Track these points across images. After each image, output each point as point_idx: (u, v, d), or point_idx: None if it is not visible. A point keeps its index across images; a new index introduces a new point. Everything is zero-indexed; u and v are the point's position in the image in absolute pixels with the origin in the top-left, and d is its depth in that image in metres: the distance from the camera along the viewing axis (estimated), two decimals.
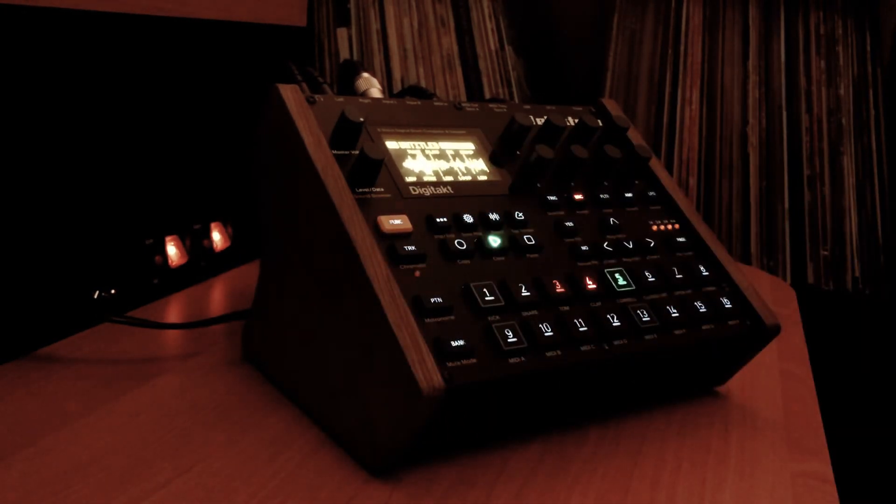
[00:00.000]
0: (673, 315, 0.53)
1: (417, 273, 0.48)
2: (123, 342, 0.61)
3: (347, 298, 0.48)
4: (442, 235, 0.50)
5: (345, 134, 0.51)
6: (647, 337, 0.52)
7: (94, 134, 0.64)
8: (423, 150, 0.55)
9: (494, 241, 0.52)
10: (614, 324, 0.51)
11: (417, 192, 0.52)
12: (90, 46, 0.62)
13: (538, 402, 0.52)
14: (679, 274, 0.56)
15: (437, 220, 0.51)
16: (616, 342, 0.50)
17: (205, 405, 0.53)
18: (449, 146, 0.57)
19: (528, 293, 0.50)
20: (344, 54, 1.04)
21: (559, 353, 0.48)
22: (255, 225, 0.78)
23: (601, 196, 0.59)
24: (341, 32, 1.04)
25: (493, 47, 1.07)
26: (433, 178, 0.54)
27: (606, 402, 0.56)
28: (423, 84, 1.05)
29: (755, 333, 0.57)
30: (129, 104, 0.67)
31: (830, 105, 0.98)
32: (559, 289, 0.51)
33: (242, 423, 0.51)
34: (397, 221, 0.49)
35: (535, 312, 0.49)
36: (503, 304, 0.48)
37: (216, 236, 0.79)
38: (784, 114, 0.99)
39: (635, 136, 0.64)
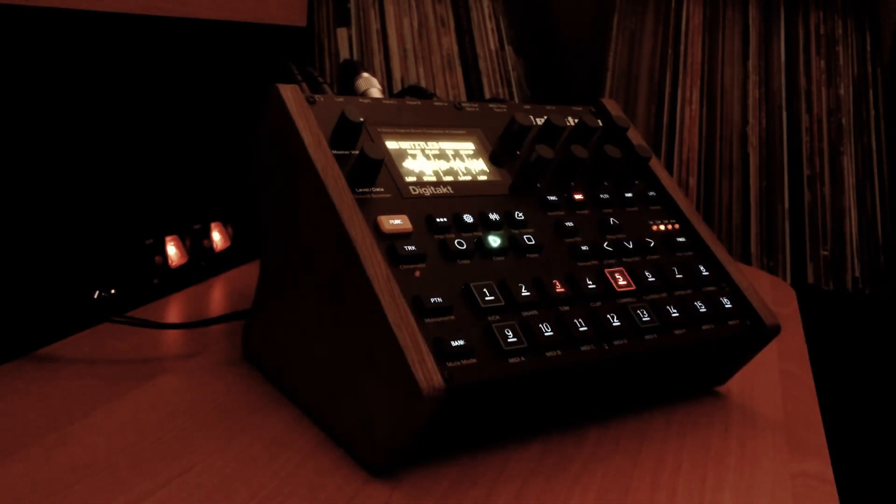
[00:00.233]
0: (673, 315, 0.53)
1: (417, 273, 0.48)
2: (123, 342, 0.61)
3: (347, 298, 0.48)
4: (442, 235, 0.50)
5: (345, 134, 0.51)
6: (647, 337, 0.52)
7: (94, 134, 0.64)
8: (423, 150, 0.55)
9: (494, 241, 0.52)
10: (614, 324, 0.51)
11: (417, 192, 0.52)
12: (90, 46, 0.62)
13: (538, 402, 0.52)
14: (679, 274, 0.56)
15: (437, 220, 0.51)
16: (616, 342, 0.50)
17: (205, 405, 0.53)
18: (449, 146, 0.57)
19: (528, 293, 0.50)
20: (344, 54, 1.04)
21: (559, 353, 0.48)
22: (255, 225, 0.78)
23: (601, 196, 0.59)
24: (341, 32, 1.04)
25: (493, 47, 1.07)
26: (433, 178, 0.54)
27: (606, 402, 0.56)
28: (423, 84, 1.05)
29: (755, 333, 0.57)
30: (130, 104, 0.67)
31: (830, 105, 0.98)
32: (559, 289, 0.51)
33: (242, 423, 0.51)
34: (397, 221, 0.49)
35: (535, 312, 0.49)
36: (503, 304, 0.48)
37: (216, 236, 0.79)
38: (784, 114, 0.99)
39: (635, 136, 0.64)
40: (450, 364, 0.44)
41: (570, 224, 0.55)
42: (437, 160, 0.55)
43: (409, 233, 0.49)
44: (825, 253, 0.98)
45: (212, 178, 0.78)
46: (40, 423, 0.49)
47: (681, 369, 0.58)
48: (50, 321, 0.60)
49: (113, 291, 0.65)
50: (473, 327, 0.47)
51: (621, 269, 0.55)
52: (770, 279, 0.94)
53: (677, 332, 0.53)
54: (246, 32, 0.80)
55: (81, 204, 0.63)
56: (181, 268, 0.74)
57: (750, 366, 0.62)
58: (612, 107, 0.66)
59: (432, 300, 0.46)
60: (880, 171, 0.98)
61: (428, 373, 0.43)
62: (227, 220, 0.80)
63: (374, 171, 0.50)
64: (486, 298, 0.48)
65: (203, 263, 0.77)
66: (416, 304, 0.46)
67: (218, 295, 0.75)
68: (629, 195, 0.61)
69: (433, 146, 0.56)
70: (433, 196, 0.53)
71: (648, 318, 0.52)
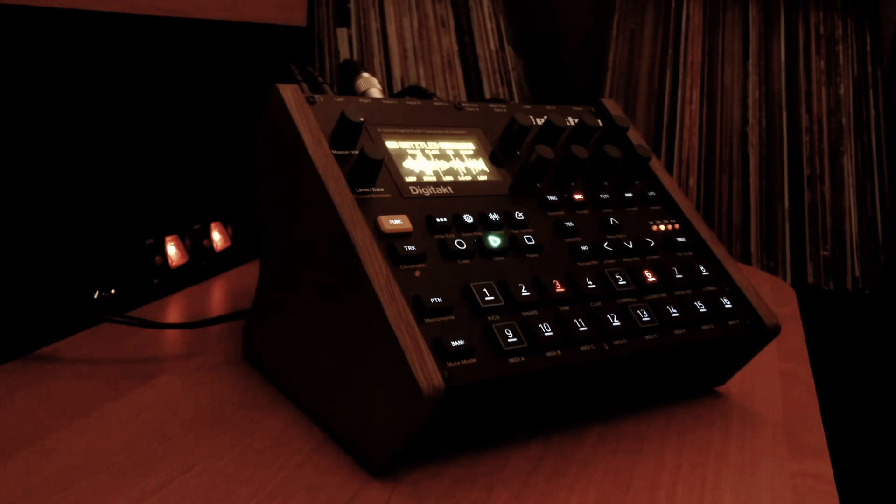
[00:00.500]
0: (673, 315, 0.53)
1: (417, 273, 0.48)
2: (123, 342, 0.61)
3: (347, 298, 0.48)
4: (442, 235, 0.50)
5: (345, 134, 0.51)
6: (647, 337, 0.52)
7: (94, 134, 0.64)
8: (423, 150, 0.55)
9: (494, 241, 0.52)
10: (614, 324, 0.51)
11: (417, 192, 0.52)
12: (90, 46, 0.62)
13: (538, 402, 0.52)
14: (679, 274, 0.56)
15: (437, 220, 0.51)
16: (616, 342, 0.50)
17: (205, 405, 0.53)
18: (449, 146, 0.57)
19: (528, 293, 0.50)
20: (344, 54, 1.04)
21: (559, 353, 0.48)
22: (255, 225, 0.78)
23: (601, 196, 0.59)
24: (341, 32, 1.04)
25: (493, 47, 1.07)
26: (433, 178, 0.54)
27: (606, 402, 0.56)
28: (423, 84, 1.05)
29: (755, 333, 0.57)
30: (130, 104, 0.67)
31: (830, 105, 0.98)
32: (559, 289, 0.51)
33: (242, 423, 0.51)
34: (397, 221, 0.49)
35: (535, 312, 0.49)
36: (503, 304, 0.48)
37: (216, 236, 0.79)
38: (784, 114, 0.99)
39: (635, 136, 0.64)
40: (450, 364, 0.44)
41: (570, 224, 0.55)
42: (437, 160, 0.55)
43: (409, 233, 0.49)
44: (825, 253, 0.98)
45: (212, 178, 0.78)
46: (40, 423, 0.49)
47: (681, 369, 0.58)
48: (50, 321, 0.60)
49: (113, 291, 0.65)
50: (473, 327, 0.47)
51: (621, 269, 0.55)
52: (770, 279, 0.94)
53: (677, 332, 0.53)
54: (246, 32, 0.80)
55: (81, 204, 0.63)
56: (181, 268, 0.74)
57: (750, 366, 0.62)
58: (612, 107, 0.66)
59: (432, 300, 0.46)
60: (880, 171, 0.98)
61: (428, 373, 0.43)
62: (227, 220, 0.80)
63: (374, 171, 0.50)
64: (486, 298, 0.48)
65: (203, 263, 0.77)
66: (416, 304, 0.46)
67: (218, 295, 0.75)
68: (629, 195, 0.61)
69: (433, 146, 0.56)
70: (433, 196, 0.53)
71: (648, 318, 0.52)
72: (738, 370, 0.61)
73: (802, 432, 0.57)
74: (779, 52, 0.99)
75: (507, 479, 0.47)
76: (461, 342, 0.45)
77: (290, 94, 0.52)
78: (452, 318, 0.46)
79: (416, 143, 0.56)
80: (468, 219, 0.52)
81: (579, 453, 0.51)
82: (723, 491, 0.49)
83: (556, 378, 0.49)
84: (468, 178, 0.56)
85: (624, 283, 0.54)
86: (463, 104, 0.60)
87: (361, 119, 0.51)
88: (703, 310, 0.55)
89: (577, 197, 0.58)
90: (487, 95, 1.07)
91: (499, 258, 0.51)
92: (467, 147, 0.58)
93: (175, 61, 0.71)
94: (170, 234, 0.73)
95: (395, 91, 1.03)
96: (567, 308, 0.51)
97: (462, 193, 0.54)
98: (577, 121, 0.62)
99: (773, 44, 0.99)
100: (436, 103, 0.60)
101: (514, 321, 0.48)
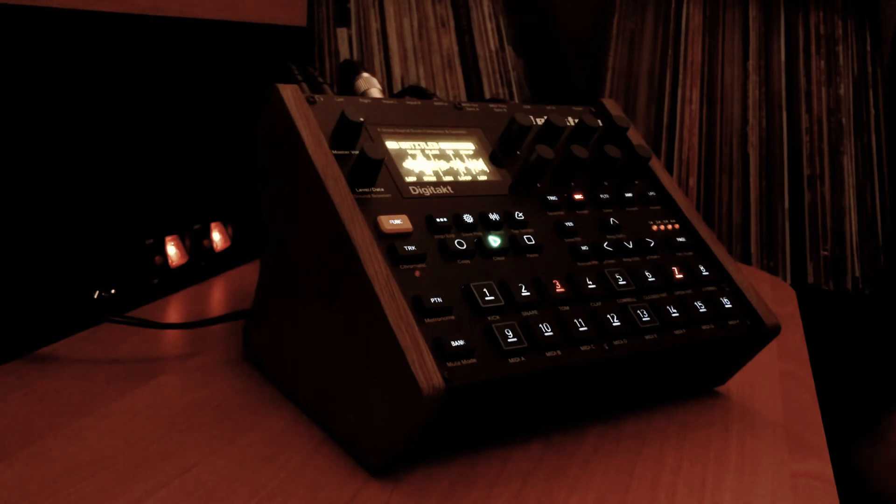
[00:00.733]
0: (673, 315, 0.53)
1: (417, 273, 0.48)
2: (123, 342, 0.61)
3: (347, 298, 0.48)
4: (442, 235, 0.50)
5: (345, 134, 0.51)
6: (647, 337, 0.52)
7: (94, 134, 0.64)
8: (423, 150, 0.55)
9: (494, 241, 0.52)
10: (614, 324, 0.51)
11: (417, 192, 0.52)
12: (90, 46, 0.62)
13: (538, 402, 0.52)
14: (679, 274, 0.56)
15: (437, 220, 0.51)
16: (616, 342, 0.50)
17: (205, 405, 0.53)
18: (449, 146, 0.57)
19: (528, 293, 0.50)
20: (344, 54, 1.04)
21: (559, 353, 0.48)
22: (255, 225, 0.78)
23: (601, 196, 0.59)
24: (341, 32, 1.04)
25: (493, 47, 1.07)
26: (433, 178, 0.54)
27: (606, 402, 0.56)
28: (423, 84, 1.05)
29: (755, 333, 0.57)
30: (130, 104, 0.67)
31: (830, 105, 0.98)
32: (559, 289, 0.51)
33: (242, 423, 0.51)
34: (397, 221, 0.49)
35: (535, 312, 0.49)
36: (503, 304, 0.48)
37: (216, 236, 0.79)
38: (784, 114, 0.99)
39: (635, 136, 0.64)
40: (450, 364, 0.44)
41: (570, 224, 0.55)
42: (437, 160, 0.55)
43: (409, 233, 0.49)
44: (825, 253, 0.99)
45: (212, 178, 0.78)
46: (40, 423, 0.49)
47: (681, 369, 0.58)
48: (50, 321, 0.60)
49: (113, 291, 0.65)
50: (473, 327, 0.47)
51: (621, 269, 0.55)
52: (770, 279, 0.94)
53: (677, 332, 0.53)
54: (246, 32, 0.80)
55: (81, 204, 0.63)
56: (181, 268, 0.74)
57: (750, 366, 0.62)
58: (612, 107, 0.66)
59: (432, 300, 0.46)
60: (880, 171, 0.98)
61: (428, 373, 0.43)
62: (227, 220, 0.80)
63: (374, 171, 0.50)
64: (486, 298, 0.48)
65: (203, 263, 0.77)
66: (416, 304, 0.46)
67: (218, 295, 0.75)
68: (629, 195, 0.61)
69: (433, 146, 0.56)
70: (433, 196, 0.53)
71: (648, 318, 0.52)
72: (738, 370, 0.61)
73: (802, 432, 0.57)
74: (779, 52, 0.99)
75: (507, 479, 0.47)
76: (461, 342, 0.45)
77: (290, 94, 0.52)
78: (452, 318, 0.46)
79: (416, 143, 0.55)
80: (468, 219, 0.52)
81: (579, 453, 0.51)
82: (723, 491, 0.49)
83: (556, 378, 0.49)
84: (468, 178, 0.55)
85: (624, 283, 0.54)
86: (463, 104, 0.60)
87: (361, 119, 0.51)
88: (703, 310, 0.55)
89: (577, 197, 0.58)
90: (487, 95, 1.07)
91: (499, 258, 0.51)
92: (467, 147, 0.58)
93: (175, 61, 0.71)
94: (170, 234, 0.73)
95: (395, 91, 1.03)
96: (567, 308, 0.51)
97: (462, 193, 0.54)
98: (577, 121, 0.62)
99: (773, 44, 0.99)
100: (436, 103, 0.60)
101: (514, 321, 0.48)
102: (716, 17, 1.00)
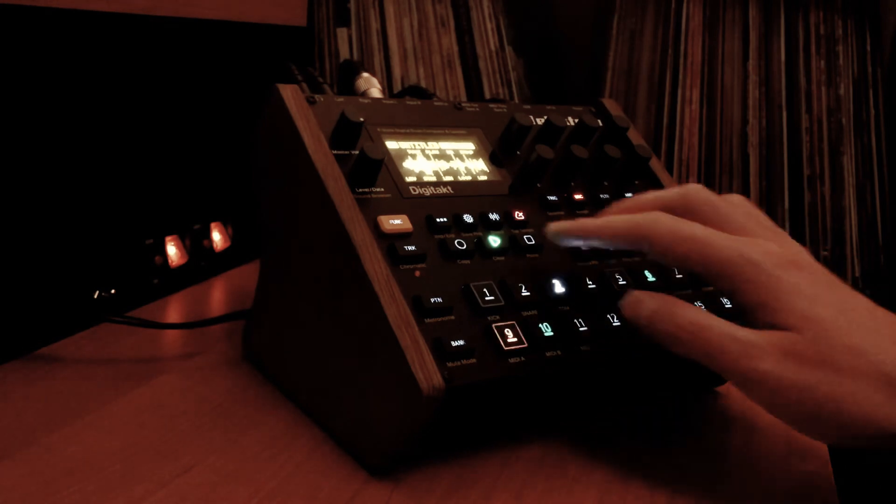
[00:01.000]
0: None
1: (417, 273, 0.48)
2: (123, 342, 0.61)
3: (347, 298, 0.48)
4: (442, 235, 0.50)
5: (345, 134, 0.51)
6: None
7: (94, 134, 0.64)
8: (423, 150, 0.55)
9: (494, 241, 0.52)
10: (614, 324, 0.51)
11: (417, 192, 0.52)
12: (90, 46, 0.62)
13: (538, 402, 0.52)
14: (679, 274, 0.56)
15: (437, 220, 0.51)
16: (616, 342, 0.50)
17: (205, 405, 0.53)
18: (449, 146, 0.57)
19: (528, 293, 0.50)
20: (344, 54, 1.04)
21: (559, 353, 0.48)
22: (255, 225, 0.78)
23: (601, 196, 0.59)
24: (341, 32, 1.04)
25: (493, 47, 1.07)
26: (433, 178, 0.54)
27: (607, 401, 0.56)
28: (423, 84, 1.05)
29: None
30: (129, 104, 0.67)
31: (830, 105, 0.98)
32: (559, 289, 0.51)
33: (242, 423, 0.51)
34: (397, 221, 0.49)
35: (534, 312, 0.49)
36: (503, 304, 0.48)
37: (216, 236, 0.79)
38: (784, 114, 0.99)
39: (635, 136, 0.64)
40: (450, 364, 0.44)
41: None
42: (437, 160, 0.55)
43: (409, 233, 0.49)
44: (825, 253, 0.98)
45: (212, 178, 0.78)
46: (40, 423, 0.49)
47: (681, 369, 0.57)
48: (50, 321, 0.60)
49: (113, 291, 0.65)
50: (473, 327, 0.47)
51: (621, 268, 0.55)
52: None
53: None
54: (246, 32, 0.80)
55: (81, 204, 0.63)
56: (181, 268, 0.74)
57: None
58: (612, 107, 0.66)
59: (432, 300, 0.46)
60: (880, 171, 0.98)
61: (428, 373, 0.43)
62: (227, 220, 0.80)
63: (374, 171, 0.50)
64: (486, 298, 0.48)
65: (203, 263, 0.77)
66: (416, 304, 0.46)
67: (218, 295, 0.75)
68: (629, 195, 0.60)
69: (433, 146, 0.56)
70: (433, 196, 0.53)
71: None
72: None
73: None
74: (779, 52, 0.99)
75: (507, 479, 0.47)
76: (461, 342, 0.45)
77: (290, 94, 0.52)
78: (452, 318, 0.46)
79: (416, 143, 0.56)
80: (468, 219, 0.52)
81: (579, 453, 0.51)
82: (723, 491, 0.49)
83: (556, 378, 0.49)
84: (468, 178, 0.56)
85: (624, 283, 0.54)
86: (463, 104, 0.60)
87: (361, 119, 0.51)
88: (703, 310, 0.55)
89: (578, 197, 0.58)
90: (487, 95, 1.07)
91: (499, 258, 0.51)
92: (467, 147, 0.58)
93: (175, 61, 0.72)
94: (170, 234, 0.73)
95: (395, 91, 1.03)
96: (567, 308, 0.51)
97: (462, 193, 0.54)
98: (577, 121, 0.62)
99: (773, 44, 0.99)
100: (436, 103, 0.60)
101: (514, 321, 0.48)
102: (716, 17, 1.00)
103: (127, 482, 0.44)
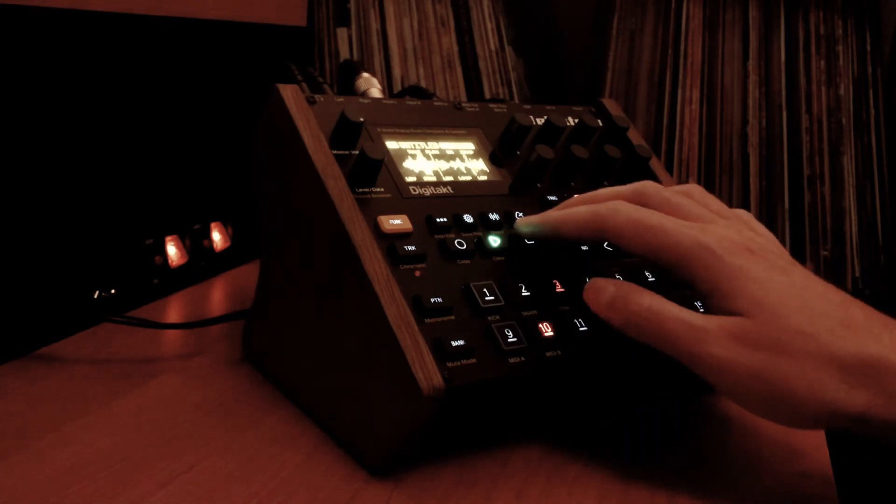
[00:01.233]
0: None
1: (417, 273, 0.48)
2: (123, 342, 0.61)
3: (347, 298, 0.48)
4: (442, 235, 0.50)
5: (345, 134, 0.51)
6: None
7: (94, 134, 0.64)
8: (423, 150, 0.55)
9: (494, 241, 0.52)
10: None
11: (417, 192, 0.52)
12: (90, 47, 0.62)
13: (538, 402, 0.52)
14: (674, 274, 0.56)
15: (438, 220, 0.51)
16: (616, 342, 0.50)
17: (205, 405, 0.53)
18: (449, 146, 0.57)
19: (528, 293, 0.50)
20: (344, 54, 1.04)
21: (559, 353, 0.48)
22: (255, 225, 0.78)
23: None
24: (341, 32, 1.04)
25: (493, 47, 1.07)
26: (433, 178, 0.54)
27: (607, 402, 0.56)
28: (423, 84, 1.05)
29: None
30: (129, 104, 0.67)
31: (830, 105, 0.98)
32: (559, 289, 0.51)
33: (242, 423, 0.51)
34: (397, 221, 0.49)
35: (535, 312, 0.49)
36: (503, 304, 0.48)
37: (216, 236, 0.79)
38: (784, 114, 0.99)
39: (635, 136, 0.64)
40: (450, 364, 0.44)
41: None
42: (437, 160, 0.55)
43: (409, 233, 0.49)
44: (825, 253, 0.98)
45: (212, 178, 0.78)
46: (40, 423, 0.49)
47: (681, 369, 0.57)
48: (50, 321, 0.60)
49: (113, 291, 0.65)
50: (473, 327, 0.47)
51: (622, 268, 0.55)
52: None
53: None
54: (246, 32, 0.80)
55: (81, 204, 0.63)
56: (181, 268, 0.74)
57: None
58: (612, 107, 0.66)
59: (432, 300, 0.46)
60: (880, 171, 0.98)
61: (428, 373, 0.43)
62: (227, 220, 0.80)
63: (374, 171, 0.50)
64: (486, 298, 0.48)
65: (203, 263, 0.77)
66: (416, 304, 0.46)
67: (218, 295, 0.75)
68: None
69: (433, 146, 0.56)
70: (433, 196, 0.53)
71: None
72: None
73: (802, 432, 0.57)
74: (779, 52, 0.99)
75: (507, 479, 0.47)
76: (461, 342, 0.45)
77: (290, 94, 0.52)
78: (452, 318, 0.46)
79: (416, 143, 0.56)
80: (468, 219, 0.52)
81: (579, 453, 0.51)
82: (723, 491, 0.48)
83: (557, 378, 0.49)
84: (468, 178, 0.56)
85: None
86: (463, 104, 0.60)
87: (361, 119, 0.51)
88: (702, 310, 0.55)
89: None
90: (487, 95, 1.07)
91: (499, 258, 0.51)
92: (467, 147, 0.58)
93: (175, 61, 0.71)
94: (170, 234, 0.73)
95: (395, 91, 1.03)
96: (567, 308, 0.50)
97: (462, 193, 0.54)
98: (577, 121, 0.62)
99: (773, 44, 0.99)
100: (436, 103, 0.60)
101: (514, 321, 0.48)
102: (716, 17, 1.00)
103: (127, 482, 0.44)
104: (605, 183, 0.61)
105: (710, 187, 1.02)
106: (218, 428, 0.50)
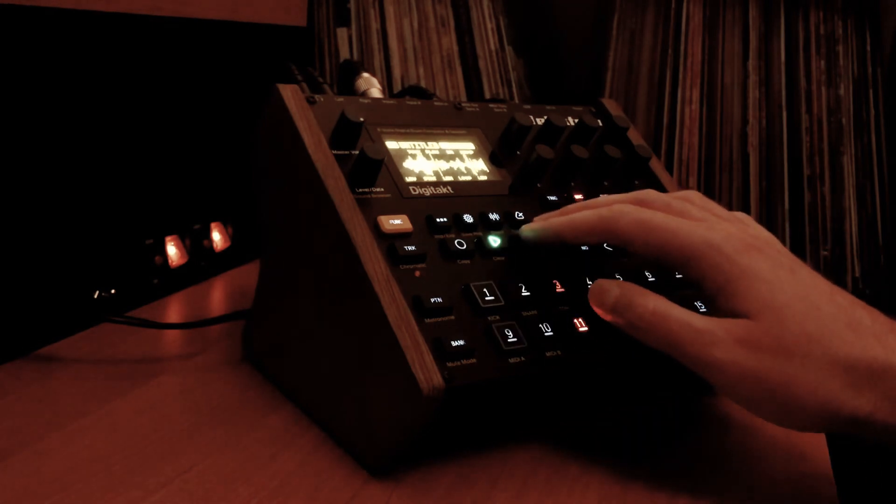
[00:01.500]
0: None
1: (417, 273, 0.48)
2: (123, 342, 0.61)
3: (347, 298, 0.48)
4: (442, 235, 0.50)
5: (345, 134, 0.51)
6: None
7: (94, 134, 0.64)
8: (423, 150, 0.55)
9: (494, 241, 0.52)
10: None
11: (417, 192, 0.52)
12: (90, 46, 0.62)
13: (538, 402, 0.52)
14: (679, 273, 0.56)
15: (438, 220, 0.51)
16: (616, 342, 0.50)
17: (205, 405, 0.53)
18: (449, 146, 0.57)
19: (528, 293, 0.50)
20: (344, 54, 1.04)
21: (559, 353, 0.48)
22: (255, 225, 0.78)
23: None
24: (341, 32, 1.04)
25: (493, 47, 1.07)
26: (433, 178, 0.54)
27: (607, 401, 0.56)
28: (423, 84, 1.05)
29: None
30: (129, 104, 0.67)
31: (830, 105, 0.98)
32: (559, 289, 0.51)
33: (242, 423, 0.51)
34: (397, 221, 0.49)
35: (535, 312, 0.49)
36: (503, 304, 0.48)
37: (216, 236, 0.79)
38: (784, 114, 0.99)
39: (635, 136, 0.64)
40: (450, 364, 0.44)
41: None
42: (437, 160, 0.55)
43: (409, 233, 0.49)
44: (825, 253, 0.98)
45: (212, 178, 0.78)
46: (40, 423, 0.49)
47: (681, 369, 0.57)
48: (50, 321, 0.60)
49: (113, 291, 0.65)
50: (473, 327, 0.47)
51: (622, 268, 0.55)
52: None
53: None
54: (246, 32, 0.80)
55: (81, 204, 0.63)
56: (181, 268, 0.74)
57: None
58: (612, 107, 0.66)
59: (432, 300, 0.46)
60: (880, 171, 0.98)
61: (428, 373, 0.43)
62: (227, 220, 0.80)
63: (374, 171, 0.50)
64: (486, 298, 0.48)
65: (203, 263, 0.77)
66: (416, 304, 0.46)
67: (218, 295, 0.75)
68: None
69: (433, 146, 0.56)
70: (433, 196, 0.53)
71: None
72: None
73: (803, 433, 0.57)
74: (779, 52, 0.99)
75: (507, 479, 0.47)
76: (461, 342, 0.45)
77: (290, 94, 0.52)
78: (452, 318, 0.46)
79: (416, 143, 0.56)
80: (468, 219, 0.52)
81: (579, 453, 0.51)
82: (723, 491, 0.48)
83: (556, 378, 0.49)
84: (468, 178, 0.56)
85: None
86: (463, 104, 0.60)
87: (361, 119, 0.51)
88: (703, 310, 0.55)
89: (578, 197, 0.58)
90: (487, 95, 1.07)
91: (499, 258, 0.51)
92: (467, 147, 0.58)
93: (175, 61, 0.71)
94: (170, 234, 0.73)
95: (395, 91, 1.03)
96: (567, 308, 0.51)
97: (462, 193, 0.54)
98: (577, 121, 0.62)
99: (773, 44, 0.99)
100: (436, 103, 0.60)
101: (514, 321, 0.48)
102: (716, 17, 1.00)
103: (127, 482, 0.44)
104: (605, 183, 0.61)
105: (710, 187, 1.02)
106: (218, 428, 0.50)
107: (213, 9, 0.75)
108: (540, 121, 0.61)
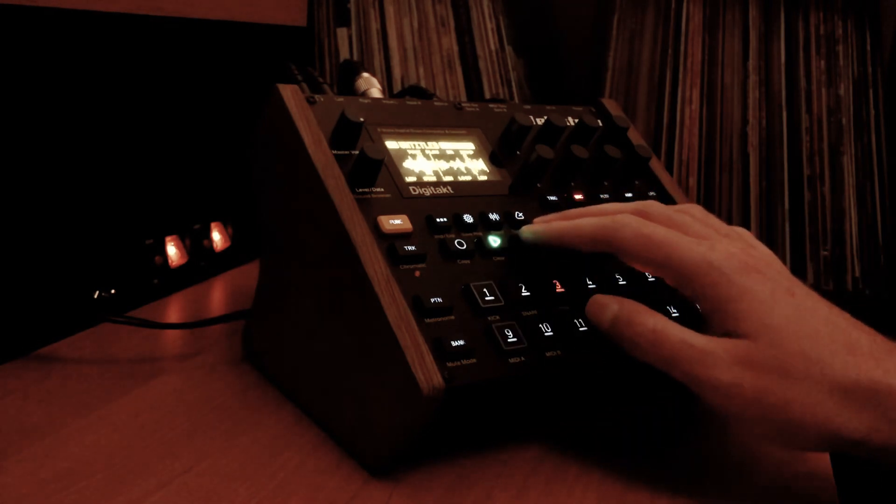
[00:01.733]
0: (673, 315, 0.53)
1: (417, 273, 0.48)
2: (123, 342, 0.61)
3: (347, 298, 0.48)
4: (442, 235, 0.50)
5: (345, 134, 0.51)
6: None
7: (94, 134, 0.64)
8: (423, 150, 0.55)
9: (494, 241, 0.52)
10: None
11: (417, 192, 0.52)
12: (90, 46, 0.62)
13: (538, 402, 0.52)
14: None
15: (437, 220, 0.51)
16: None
17: (205, 405, 0.53)
18: (449, 146, 0.57)
19: (528, 293, 0.50)
20: (344, 54, 1.04)
21: (559, 353, 0.48)
22: (255, 225, 0.78)
23: (601, 196, 0.59)
24: (341, 32, 1.04)
25: (493, 47, 1.07)
26: (433, 178, 0.54)
27: (607, 401, 0.56)
28: (423, 84, 1.05)
29: None
30: (129, 104, 0.67)
31: (830, 105, 0.98)
32: (559, 289, 0.51)
33: (242, 423, 0.51)
34: (397, 221, 0.49)
35: (535, 312, 0.49)
36: (503, 304, 0.48)
37: (216, 236, 0.79)
38: (784, 114, 0.99)
39: (635, 136, 0.64)
40: (450, 364, 0.44)
41: None
42: (437, 160, 0.55)
43: (409, 233, 0.49)
44: (825, 253, 0.98)
45: (212, 178, 0.78)
46: (40, 423, 0.49)
47: None
48: (50, 321, 0.60)
49: (113, 291, 0.65)
50: (473, 327, 0.47)
51: (622, 268, 0.55)
52: None
53: None
54: (246, 32, 0.80)
55: (81, 204, 0.63)
56: (181, 268, 0.74)
57: None
58: (612, 107, 0.66)
59: (432, 300, 0.46)
60: (880, 171, 0.98)
61: (428, 373, 0.43)
62: (227, 220, 0.80)
63: (374, 171, 0.50)
64: (486, 298, 0.48)
65: (203, 263, 0.77)
66: (416, 304, 0.46)
67: (218, 295, 0.75)
68: (629, 195, 0.60)
69: (433, 146, 0.56)
70: (433, 196, 0.53)
71: None
72: None
73: None
74: (779, 53, 0.99)
75: (507, 479, 0.47)
76: (461, 342, 0.45)
77: (290, 94, 0.52)
78: (452, 318, 0.46)
79: (416, 143, 0.56)
80: (468, 219, 0.52)
81: (579, 453, 0.51)
82: (723, 491, 0.49)
83: (557, 378, 0.49)
84: (468, 178, 0.56)
85: (624, 282, 0.54)
86: (463, 104, 0.60)
87: (361, 119, 0.51)
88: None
89: (578, 197, 0.58)
90: (487, 95, 1.07)
91: (499, 258, 0.51)
92: (467, 147, 0.58)
93: (175, 62, 0.71)
94: (170, 234, 0.73)
95: (395, 91, 1.03)
96: (567, 308, 0.50)
97: (462, 193, 0.54)
98: (577, 121, 0.62)
99: (773, 44, 0.99)
100: (436, 103, 0.60)
101: (514, 321, 0.48)
102: (716, 17, 1.00)
103: (127, 482, 0.44)
104: (605, 183, 0.61)
105: (710, 187, 1.02)
106: (218, 428, 0.50)
107: (213, 9, 0.75)
108: (540, 121, 0.61)
